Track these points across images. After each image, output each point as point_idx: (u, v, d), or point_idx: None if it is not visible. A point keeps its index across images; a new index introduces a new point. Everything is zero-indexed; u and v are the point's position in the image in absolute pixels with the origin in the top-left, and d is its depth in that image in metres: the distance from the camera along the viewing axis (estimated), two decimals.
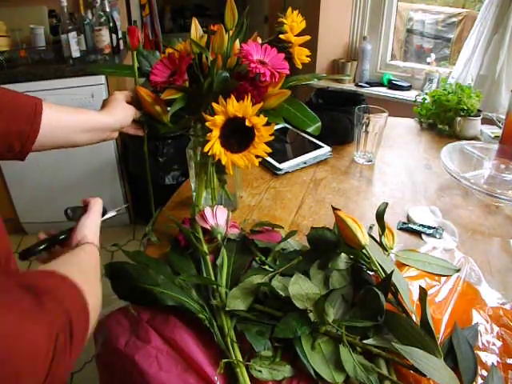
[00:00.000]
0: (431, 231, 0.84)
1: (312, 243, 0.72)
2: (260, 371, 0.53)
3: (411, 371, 0.53)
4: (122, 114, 0.71)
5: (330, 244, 0.70)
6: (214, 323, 0.59)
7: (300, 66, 0.76)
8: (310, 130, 0.75)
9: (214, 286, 0.64)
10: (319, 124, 0.76)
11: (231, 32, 0.73)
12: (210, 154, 0.67)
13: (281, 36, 0.74)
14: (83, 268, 0.49)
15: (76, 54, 1.98)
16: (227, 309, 0.59)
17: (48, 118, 0.61)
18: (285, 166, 1.07)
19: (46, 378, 0.32)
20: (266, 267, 0.69)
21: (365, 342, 0.55)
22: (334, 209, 0.69)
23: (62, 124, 0.64)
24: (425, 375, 0.50)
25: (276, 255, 0.72)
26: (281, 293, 0.60)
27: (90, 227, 0.60)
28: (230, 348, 0.56)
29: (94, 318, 0.43)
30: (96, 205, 0.65)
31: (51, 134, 0.63)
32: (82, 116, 0.66)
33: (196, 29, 0.73)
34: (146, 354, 0.55)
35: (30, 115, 0.60)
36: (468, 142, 1.15)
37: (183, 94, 0.71)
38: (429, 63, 2.24)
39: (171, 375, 0.53)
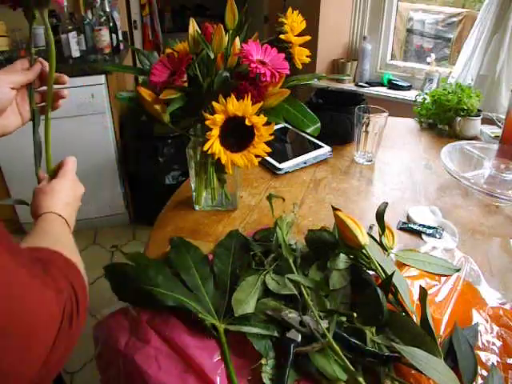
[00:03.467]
0: (431, 231, 0.84)
1: (310, 245, 0.72)
2: (271, 379, 0.53)
3: (412, 370, 0.53)
4: None
5: (328, 245, 0.70)
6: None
7: (300, 66, 0.76)
8: (309, 130, 0.75)
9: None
10: (318, 125, 0.76)
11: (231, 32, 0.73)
12: (209, 152, 0.67)
13: (281, 36, 0.74)
14: (64, 241, 0.48)
15: (76, 53, 1.98)
16: (236, 315, 0.59)
17: None
18: (285, 165, 1.07)
19: (54, 342, 0.33)
20: (267, 267, 0.68)
21: (371, 338, 0.56)
22: (334, 209, 0.69)
23: None
24: (425, 374, 0.50)
25: (276, 255, 0.72)
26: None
27: (58, 195, 0.55)
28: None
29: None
30: (69, 164, 0.59)
31: None
32: None
33: (194, 29, 0.74)
34: (145, 355, 0.55)
35: None
36: (468, 141, 1.15)
37: (182, 93, 0.71)
38: (429, 63, 2.24)
39: (171, 375, 0.53)
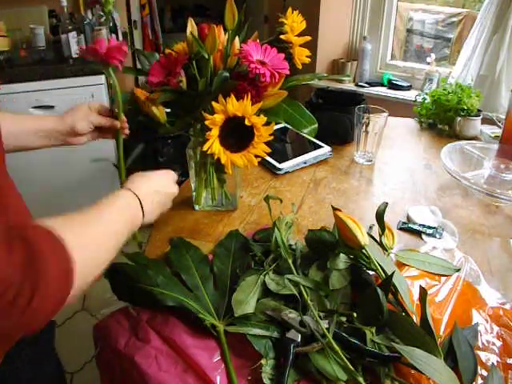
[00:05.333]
0: (431, 231, 0.84)
1: (310, 245, 0.72)
2: (271, 379, 0.53)
3: (412, 370, 0.53)
4: (71, 119, 0.73)
5: (328, 245, 0.70)
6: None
7: (300, 67, 0.76)
8: (305, 131, 0.74)
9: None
10: (316, 126, 0.75)
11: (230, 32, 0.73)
12: (209, 152, 0.67)
13: (281, 36, 0.74)
14: (103, 221, 0.52)
15: (76, 54, 1.98)
16: (236, 315, 0.59)
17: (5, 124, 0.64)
18: (285, 165, 1.07)
19: None
20: (266, 267, 0.68)
21: (371, 338, 0.55)
22: (334, 209, 0.69)
23: (20, 129, 0.69)
24: (425, 374, 0.50)
25: (276, 255, 0.72)
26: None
27: (141, 180, 0.63)
28: None
29: (83, 282, 0.42)
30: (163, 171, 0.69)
31: (12, 137, 0.67)
32: (37, 122, 0.72)
33: (192, 29, 0.74)
34: (145, 355, 0.55)
35: None
36: (468, 141, 1.15)
37: (174, 94, 0.72)
38: (429, 63, 2.24)
39: (170, 375, 0.53)
